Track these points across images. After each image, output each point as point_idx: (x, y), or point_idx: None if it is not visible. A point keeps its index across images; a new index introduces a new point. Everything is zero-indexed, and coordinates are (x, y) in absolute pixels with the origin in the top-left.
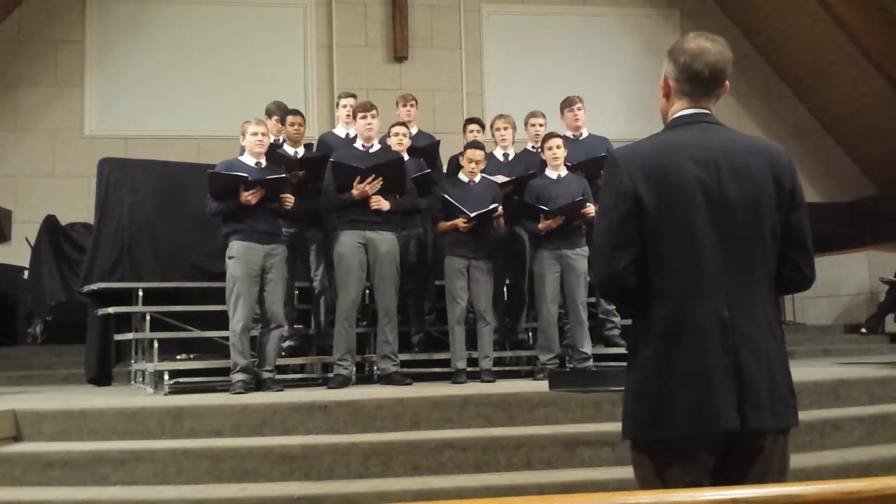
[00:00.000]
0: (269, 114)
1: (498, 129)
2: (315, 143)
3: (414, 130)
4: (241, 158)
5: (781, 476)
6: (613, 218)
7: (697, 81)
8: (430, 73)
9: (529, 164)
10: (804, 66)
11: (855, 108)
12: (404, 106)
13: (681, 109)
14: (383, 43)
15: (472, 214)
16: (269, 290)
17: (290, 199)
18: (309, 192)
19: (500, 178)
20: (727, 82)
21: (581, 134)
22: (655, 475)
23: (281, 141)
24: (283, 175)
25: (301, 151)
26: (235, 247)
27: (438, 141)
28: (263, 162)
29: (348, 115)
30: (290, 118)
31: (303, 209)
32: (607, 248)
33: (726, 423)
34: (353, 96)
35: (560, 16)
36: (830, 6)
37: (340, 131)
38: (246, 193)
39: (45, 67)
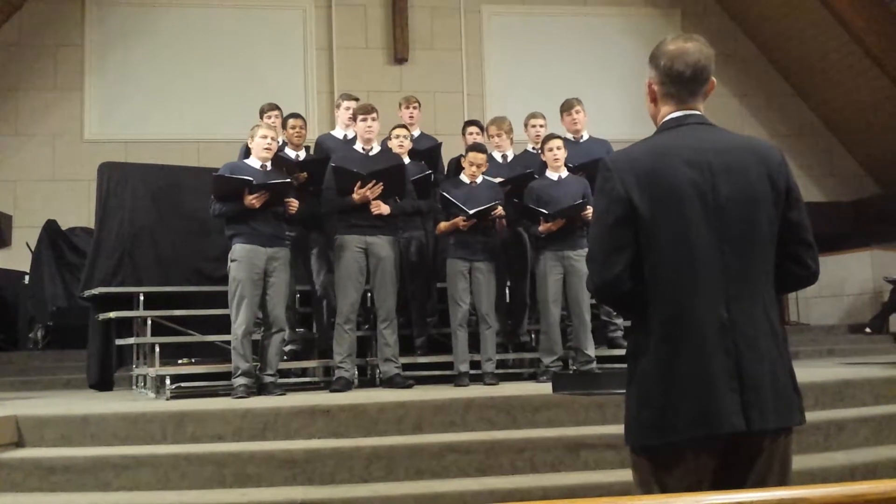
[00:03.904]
0: (261, 112)
1: (492, 137)
2: (313, 145)
3: (416, 132)
4: (246, 161)
5: (783, 477)
6: (606, 224)
7: (680, 82)
8: (430, 75)
9: (529, 166)
10: (806, 64)
11: (857, 106)
12: (407, 108)
13: (669, 112)
14: (383, 45)
15: (472, 211)
16: (272, 293)
17: (294, 204)
18: (310, 194)
19: (498, 180)
20: (713, 79)
21: (581, 137)
22: (655, 480)
23: (281, 142)
24: (288, 180)
25: (302, 155)
26: (238, 250)
27: (440, 143)
28: (269, 165)
29: (349, 118)
30: (290, 121)
31: (305, 212)
32: (601, 254)
33: (731, 426)
34: (355, 99)
35: (561, 16)
36: (832, 5)
37: (339, 133)
38: (250, 197)
39: (45, 72)
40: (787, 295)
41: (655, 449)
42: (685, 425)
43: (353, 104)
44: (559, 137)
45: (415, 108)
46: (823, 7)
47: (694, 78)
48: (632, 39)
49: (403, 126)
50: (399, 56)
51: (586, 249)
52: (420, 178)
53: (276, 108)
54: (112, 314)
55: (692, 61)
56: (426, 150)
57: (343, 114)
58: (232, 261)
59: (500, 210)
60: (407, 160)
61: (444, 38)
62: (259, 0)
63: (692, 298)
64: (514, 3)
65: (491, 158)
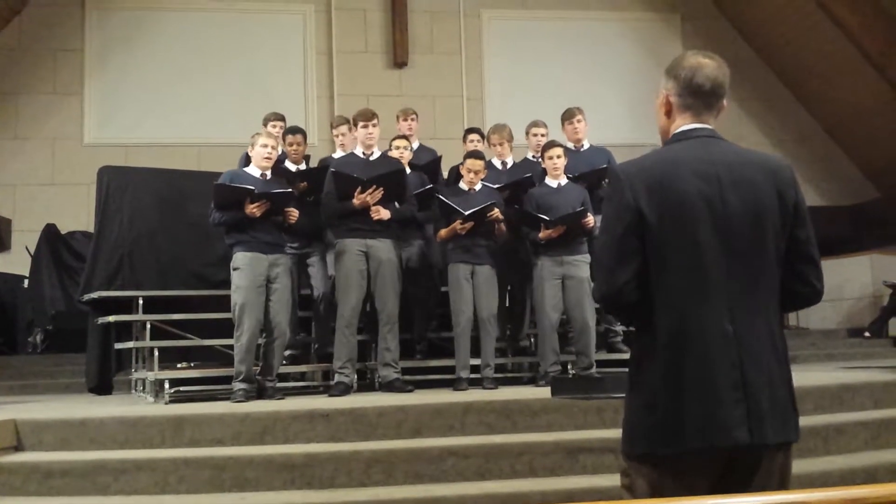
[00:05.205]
0: (265, 122)
1: (494, 146)
2: (312, 157)
3: (415, 145)
4: (246, 169)
5: (782, 489)
6: (616, 232)
7: (699, 95)
8: (430, 79)
9: (529, 174)
10: (805, 69)
11: (856, 111)
12: (405, 120)
13: (683, 125)
14: (383, 49)
15: (467, 213)
16: (274, 300)
17: (294, 214)
18: (311, 206)
19: (497, 186)
20: (725, 101)
21: (582, 145)
22: (654, 490)
23: (281, 152)
24: (290, 190)
25: (302, 167)
26: (240, 258)
27: (440, 156)
28: (269, 174)
29: (342, 145)
30: (289, 137)
31: (305, 223)
32: (609, 263)
33: (734, 439)
34: (347, 122)
35: (561, 20)
36: (830, 9)
37: (339, 155)
38: (251, 206)
39: (45, 76)
40: None
41: (658, 457)
42: (691, 435)
43: (344, 129)
44: (560, 145)
45: (412, 119)
46: (822, 11)
47: (712, 92)
48: (631, 44)
49: (404, 137)
50: (399, 60)
51: (586, 255)
52: (422, 191)
53: (281, 118)
54: (111, 318)
55: (712, 76)
56: (426, 164)
57: (337, 140)
58: (234, 269)
59: (497, 213)
60: (408, 171)
61: (444, 43)
62: (259, 4)
63: (698, 309)
64: (513, 7)
65: (491, 165)
